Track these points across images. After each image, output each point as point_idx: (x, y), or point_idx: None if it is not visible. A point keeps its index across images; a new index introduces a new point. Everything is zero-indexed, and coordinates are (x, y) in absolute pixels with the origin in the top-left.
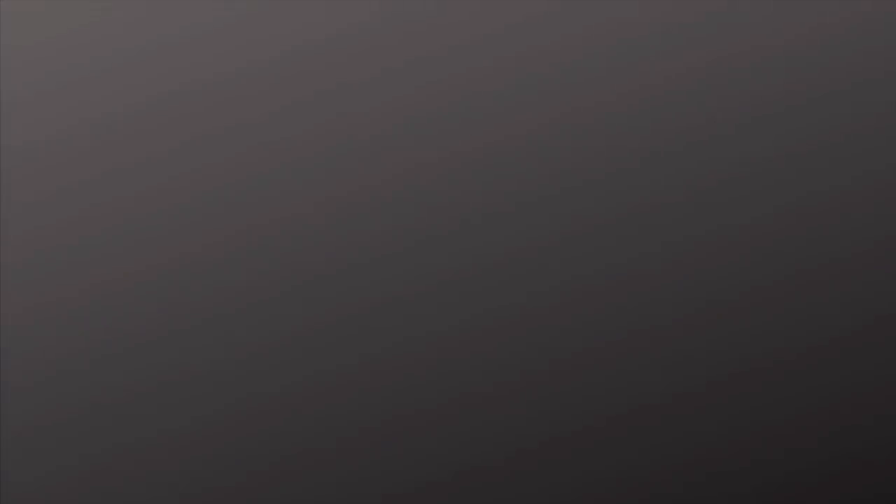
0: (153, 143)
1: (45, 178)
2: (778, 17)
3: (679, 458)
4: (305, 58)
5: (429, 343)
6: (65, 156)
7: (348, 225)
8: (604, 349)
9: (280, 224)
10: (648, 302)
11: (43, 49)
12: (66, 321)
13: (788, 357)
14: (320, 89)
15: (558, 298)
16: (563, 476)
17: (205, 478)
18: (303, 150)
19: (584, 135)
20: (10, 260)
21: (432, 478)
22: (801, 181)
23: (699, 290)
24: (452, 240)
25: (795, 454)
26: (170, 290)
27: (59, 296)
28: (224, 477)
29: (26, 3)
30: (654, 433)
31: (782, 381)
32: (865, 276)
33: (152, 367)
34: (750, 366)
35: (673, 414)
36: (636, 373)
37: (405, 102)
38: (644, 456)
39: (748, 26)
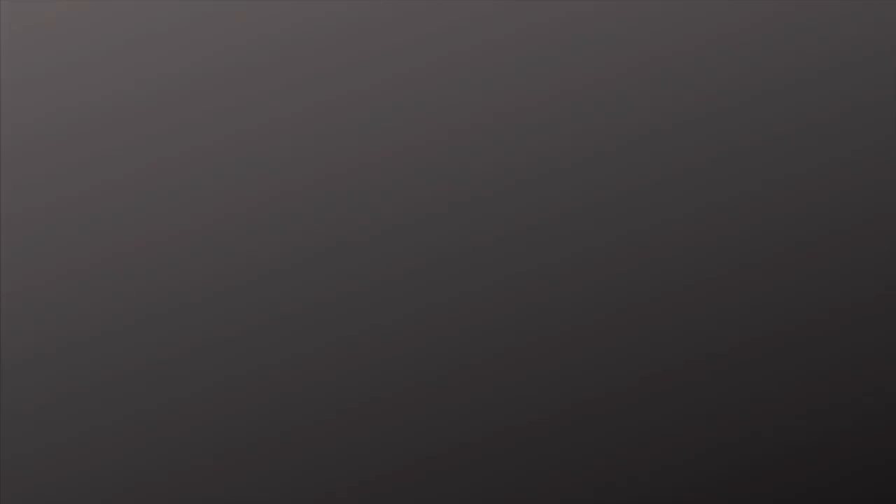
0: (134, 132)
1: (30, 165)
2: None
3: (658, 440)
4: (287, 46)
5: (408, 326)
6: (47, 144)
7: (327, 211)
8: (584, 330)
9: (267, 207)
10: (627, 285)
11: (27, 36)
12: (54, 306)
13: (770, 339)
14: (298, 78)
15: (538, 282)
16: (542, 456)
17: (189, 458)
18: (280, 138)
19: (560, 120)
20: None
21: (410, 461)
22: (781, 167)
23: (676, 276)
24: (426, 226)
25: (779, 432)
26: (154, 275)
27: (46, 280)
28: (210, 456)
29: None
30: (633, 413)
31: (763, 363)
32: (846, 261)
33: (138, 349)
34: (732, 348)
35: (652, 395)
36: (616, 354)
37: (385, 89)
38: (624, 437)
39: (728, 13)
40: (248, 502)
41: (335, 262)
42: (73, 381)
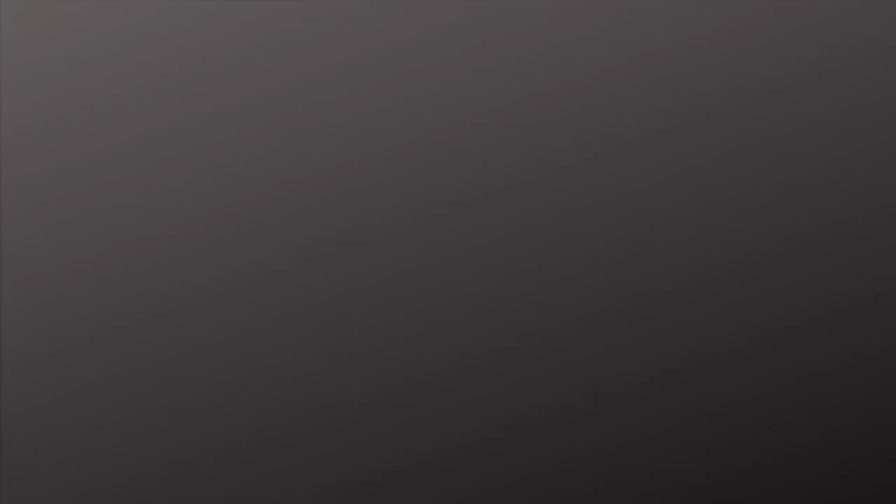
0: (132, 133)
1: (30, 166)
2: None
3: (660, 441)
4: (285, 47)
5: (408, 327)
6: (48, 145)
7: (326, 211)
8: (584, 332)
9: (264, 209)
10: (626, 285)
11: (27, 37)
12: (53, 307)
13: (768, 340)
14: (297, 79)
15: (536, 282)
16: (542, 456)
17: (189, 459)
18: (280, 139)
19: (558, 121)
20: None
21: (410, 463)
22: (774, 168)
23: (673, 275)
24: (424, 226)
25: (776, 434)
26: (154, 276)
27: (46, 281)
28: (211, 457)
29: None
30: (633, 413)
31: (762, 365)
32: (838, 263)
33: (138, 350)
34: (732, 349)
35: (653, 395)
36: (616, 354)
37: (384, 90)
38: (624, 437)
39: (726, 13)
40: (248, 502)
41: (335, 262)
42: (72, 381)
